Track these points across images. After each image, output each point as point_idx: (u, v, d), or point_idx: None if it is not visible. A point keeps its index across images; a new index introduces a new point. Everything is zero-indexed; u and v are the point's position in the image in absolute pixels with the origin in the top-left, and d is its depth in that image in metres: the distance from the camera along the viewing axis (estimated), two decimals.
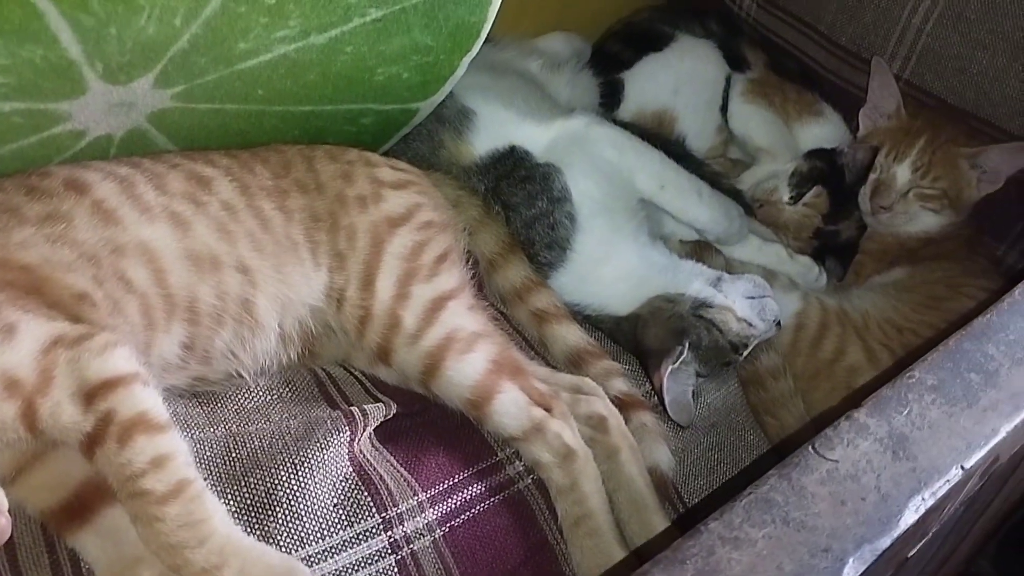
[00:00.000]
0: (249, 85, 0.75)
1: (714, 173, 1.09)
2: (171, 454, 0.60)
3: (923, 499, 0.58)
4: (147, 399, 0.61)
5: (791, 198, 1.08)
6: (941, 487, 0.60)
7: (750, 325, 0.89)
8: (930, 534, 0.68)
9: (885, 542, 0.55)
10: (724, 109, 1.18)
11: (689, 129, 1.16)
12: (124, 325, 0.66)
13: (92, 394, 0.60)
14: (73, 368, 0.60)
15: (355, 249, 0.77)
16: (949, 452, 0.62)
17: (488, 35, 0.87)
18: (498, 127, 0.94)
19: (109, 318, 0.66)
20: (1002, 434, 0.65)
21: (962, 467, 0.62)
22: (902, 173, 1.06)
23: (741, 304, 0.89)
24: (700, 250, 1.02)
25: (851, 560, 0.53)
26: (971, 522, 0.91)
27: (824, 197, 1.09)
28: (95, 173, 0.71)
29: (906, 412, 0.65)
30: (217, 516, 0.59)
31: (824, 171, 1.10)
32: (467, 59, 0.86)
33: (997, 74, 1.09)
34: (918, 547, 0.68)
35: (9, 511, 0.56)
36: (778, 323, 0.92)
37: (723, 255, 1.02)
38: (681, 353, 0.85)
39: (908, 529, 0.58)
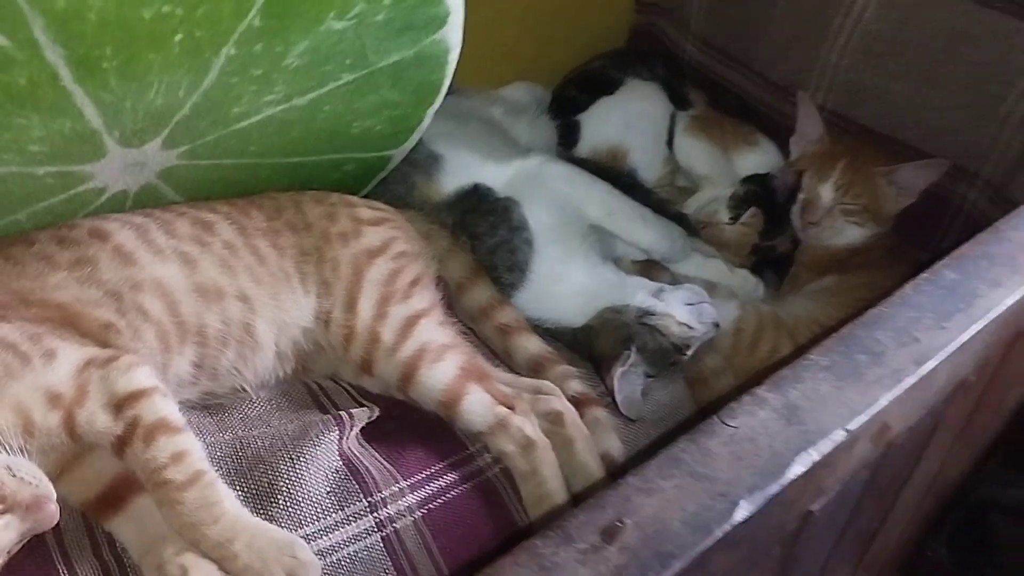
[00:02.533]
0: (243, 142, 0.88)
1: (660, 200, 1.22)
2: (188, 451, 0.72)
3: (809, 455, 0.70)
4: (166, 407, 0.74)
5: (730, 219, 1.21)
6: (826, 445, 0.72)
7: (690, 328, 1.01)
8: (833, 492, 0.79)
9: (773, 488, 0.67)
10: (670, 143, 1.32)
11: (639, 162, 1.29)
12: (144, 348, 0.79)
13: (120, 404, 0.72)
14: (104, 384, 0.73)
15: (339, 278, 0.90)
16: (834, 417, 0.74)
17: (456, 86, 1.00)
18: (463, 168, 1.08)
19: (131, 343, 0.78)
20: (883, 403, 0.77)
21: (846, 429, 0.73)
22: (826, 192, 1.19)
23: (680, 310, 1.02)
24: (649, 268, 1.15)
25: (742, 502, 0.65)
26: (892, 492, 1.02)
27: (759, 217, 1.22)
28: (115, 223, 0.84)
29: (800, 387, 0.77)
30: (228, 500, 0.71)
31: (759, 194, 1.23)
32: (431, 110, 1.00)
33: (908, 101, 1.22)
34: (822, 503, 0.79)
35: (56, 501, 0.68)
36: (716, 324, 1.04)
37: (670, 271, 1.15)
38: (629, 357, 0.98)
39: (797, 480, 0.69)
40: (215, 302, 0.83)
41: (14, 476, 0.66)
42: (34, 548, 0.69)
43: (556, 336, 1.03)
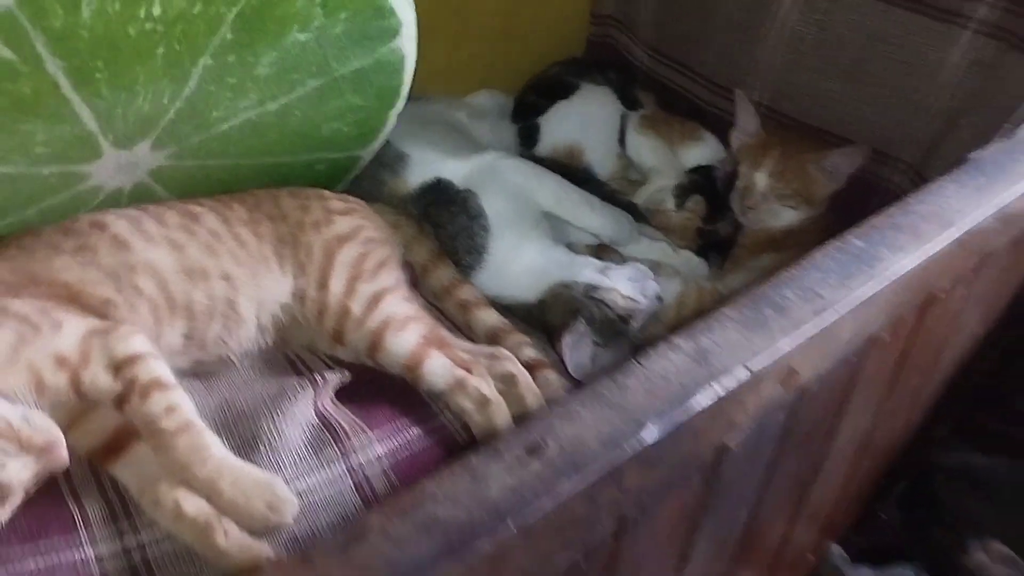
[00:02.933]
0: (224, 145, 1.00)
1: (612, 191, 1.34)
2: (179, 404, 0.83)
3: (713, 388, 0.80)
4: (159, 368, 0.85)
5: (676, 206, 1.33)
6: (729, 381, 0.82)
7: (634, 301, 1.13)
8: (747, 429, 0.90)
9: (679, 416, 0.77)
10: (623, 141, 1.44)
11: (594, 159, 1.41)
12: (139, 321, 0.90)
13: (119, 366, 0.83)
14: (104, 349, 0.84)
15: (312, 260, 1.02)
16: (738, 359, 0.84)
17: (424, 94, 1.12)
18: (426, 165, 1.19)
19: (128, 316, 0.89)
20: (784, 347, 0.87)
21: (747, 368, 0.84)
22: (761, 179, 1.31)
23: (625, 285, 1.13)
24: (601, 251, 1.26)
25: (650, 425, 0.76)
26: (819, 443, 1.12)
27: (702, 204, 1.33)
28: (111, 216, 0.96)
29: (710, 335, 0.87)
30: (215, 446, 0.82)
31: (701, 183, 1.35)
32: (393, 113, 1.12)
33: (835, 96, 1.34)
34: (738, 439, 0.89)
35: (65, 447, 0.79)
36: (660, 299, 1.15)
37: (620, 254, 1.27)
38: (578, 327, 1.09)
39: (703, 410, 0.80)
40: (201, 281, 0.95)
41: (29, 425, 0.77)
42: (48, 488, 0.80)
43: (512, 311, 1.14)
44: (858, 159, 1.29)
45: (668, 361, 0.83)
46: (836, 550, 1.46)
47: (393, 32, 0.99)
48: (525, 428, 0.75)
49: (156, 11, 0.80)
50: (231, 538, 0.79)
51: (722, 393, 0.82)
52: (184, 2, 0.81)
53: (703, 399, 0.80)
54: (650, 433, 0.76)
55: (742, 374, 0.84)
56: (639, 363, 0.83)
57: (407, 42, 1.02)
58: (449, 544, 0.64)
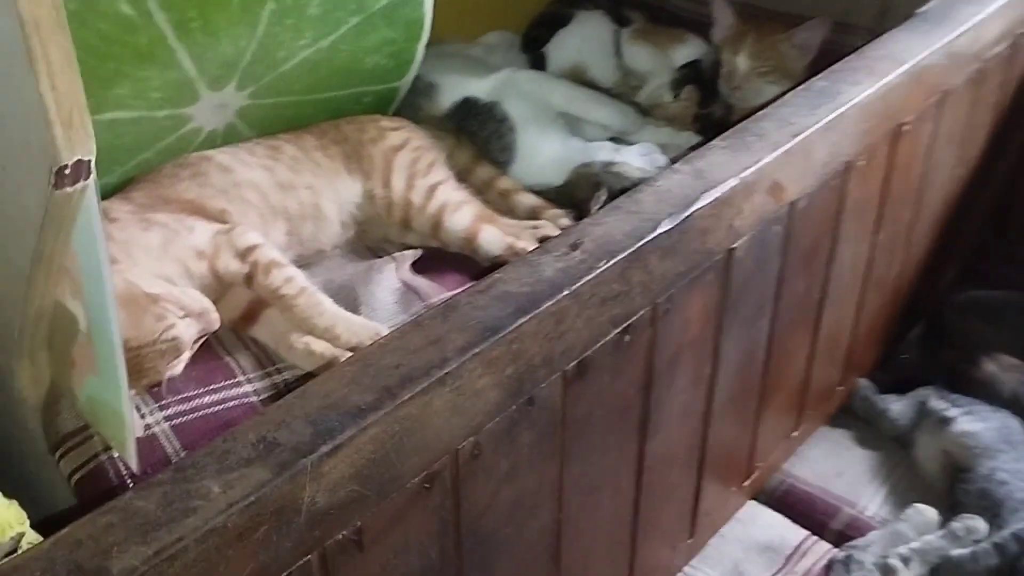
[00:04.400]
0: (289, 82, 1.22)
1: (618, 95, 1.55)
2: (294, 276, 1.05)
3: (711, 194, 1.02)
4: (273, 252, 1.07)
5: (673, 97, 1.53)
6: (723, 189, 1.03)
7: (646, 171, 1.33)
8: (747, 235, 1.10)
9: (685, 214, 0.98)
10: (620, 54, 1.65)
11: (597, 73, 1.62)
12: (250, 224, 1.12)
13: (244, 254, 1.06)
14: (229, 243, 1.06)
15: (375, 167, 1.23)
16: (729, 172, 1.05)
17: (442, 39, 1.33)
18: (454, 88, 1.41)
19: (241, 221, 1.12)
20: (766, 160, 1.08)
21: (739, 177, 1.05)
22: (742, 62, 1.51)
23: (636, 159, 1.34)
24: None
25: (663, 222, 0.97)
26: (820, 263, 1.31)
27: (695, 92, 1.54)
28: (213, 152, 1.18)
29: (704, 159, 1.08)
30: (327, 302, 1.04)
31: (692, 76, 1.55)
32: (421, 45, 1.33)
33: None
34: (742, 243, 1.10)
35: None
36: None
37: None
38: (602, 196, 1.30)
39: (703, 211, 1.01)
40: (291, 191, 1.17)
41: (187, 296, 0.99)
42: (208, 349, 1.02)
43: (545, 196, 1.35)
44: (822, 31, 1.49)
45: (672, 180, 1.05)
46: (864, 383, 1.65)
47: None
48: (566, 233, 0.97)
49: None
50: None
51: (718, 195, 1.02)
52: None
53: (702, 202, 1.01)
54: (664, 227, 0.97)
55: (733, 182, 1.04)
56: (649, 184, 1.04)
57: None
58: (519, 308, 0.85)
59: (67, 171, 0.70)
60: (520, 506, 0.95)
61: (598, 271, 0.90)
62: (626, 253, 0.93)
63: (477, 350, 0.80)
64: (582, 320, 0.91)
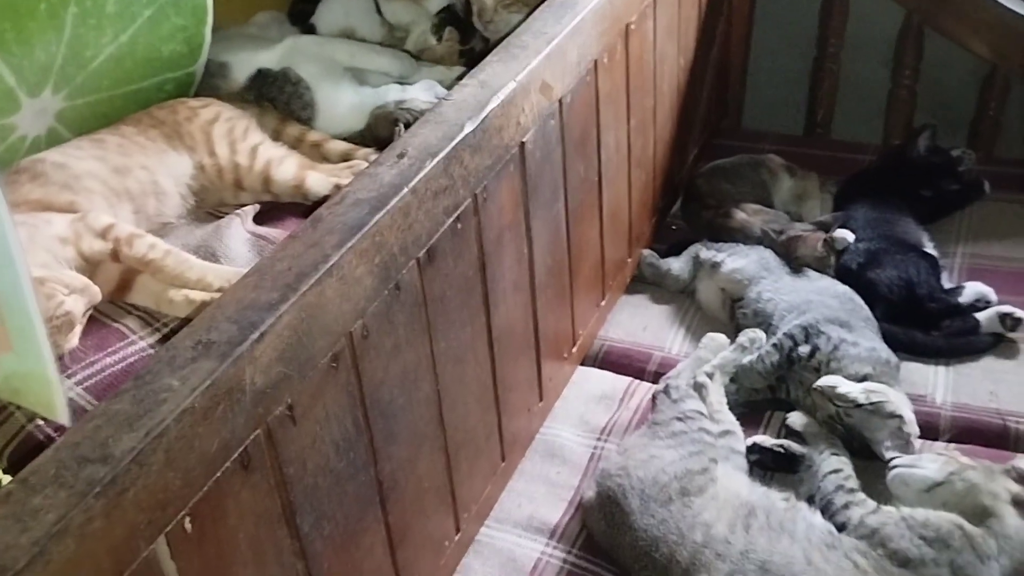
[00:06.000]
0: (99, 79, 1.32)
1: (389, 47, 1.74)
2: (155, 242, 1.18)
3: (498, 96, 1.23)
4: (129, 227, 1.19)
5: (437, 40, 1.74)
6: (505, 91, 1.24)
7: (432, 102, 1.53)
8: (533, 129, 1.33)
9: (482, 115, 1.19)
10: (380, 12, 1.83)
11: (365, 33, 1.79)
12: (98, 208, 1.23)
13: (103, 233, 1.16)
14: (87, 227, 1.17)
15: (196, 142, 1.36)
16: (507, 78, 1.27)
17: (217, 25, 1.46)
18: (244, 63, 1.55)
19: (90, 207, 1.22)
20: (532, 65, 1.30)
21: (515, 80, 1.27)
22: None
23: (422, 94, 1.54)
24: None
25: (467, 124, 1.17)
26: (591, 149, 1.57)
27: (455, 32, 1.75)
28: (42, 154, 1.27)
29: (484, 72, 1.29)
30: (192, 258, 1.18)
31: (449, 18, 1.76)
32: (207, 28, 1.46)
33: None
34: (530, 137, 1.32)
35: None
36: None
37: None
38: (400, 129, 1.49)
39: (496, 111, 1.22)
40: (128, 174, 1.28)
41: (66, 276, 1.09)
42: (94, 320, 1.13)
43: (350, 140, 1.52)
44: None
45: (464, 92, 1.26)
46: (647, 252, 1.94)
47: None
48: (392, 145, 1.15)
49: None
50: None
51: (504, 97, 1.24)
52: None
53: (493, 104, 1.22)
54: (469, 127, 1.17)
55: (512, 85, 1.26)
56: (445, 98, 1.24)
57: None
58: (373, 207, 1.04)
59: None
60: (406, 378, 1.14)
61: (426, 169, 1.10)
62: (444, 153, 1.13)
63: (350, 244, 0.98)
64: (423, 212, 1.10)
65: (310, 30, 1.79)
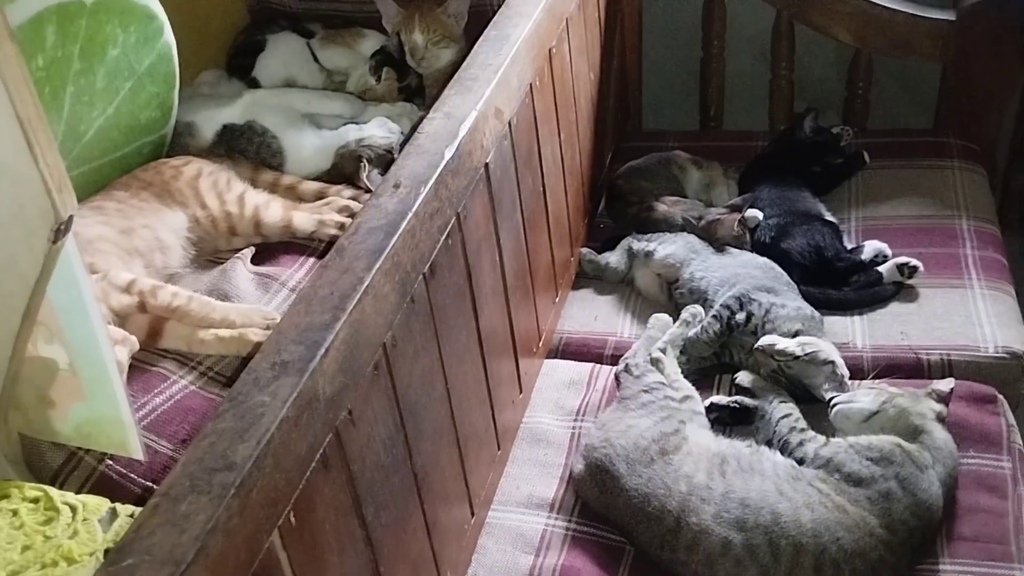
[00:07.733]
0: (91, 150, 1.43)
1: (334, 91, 1.88)
2: (177, 290, 1.30)
3: (464, 125, 1.39)
4: (150, 280, 1.30)
5: (376, 80, 1.90)
6: (471, 120, 1.41)
7: (388, 137, 1.69)
8: (492, 150, 1.50)
9: (455, 142, 1.36)
10: (317, 60, 1.97)
11: (306, 82, 1.93)
12: (115, 267, 1.33)
13: (127, 288, 1.28)
14: (111, 284, 1.28)
15: (186, 197, 1.48)
16: (468, 108, 1.43)
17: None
18: (209, 121, 1.67)
19: (107, 266, 1.33)
20: (486, 94, 1.47)
21: (477, 109, 1.43)
22: (418, 38, 1.90)
23: (378, 131, 1.70)
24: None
25: (447, 151, 1.33)
26: (535, 161, 1.75)
27: (392, 72, 1.91)
28: None
29: (447, 105, 1.46)
30: (215, 301, 1.30)
31: (384, 60, 1.92)
32: (176, 92, 1.57)
33: None
34: (491, 158, 1.49)
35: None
36: (402, 132, 1.72)
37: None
38: (365, 166, 1.64)
39: (466, 139, 1.38)
40: (133, 234, 1.39)
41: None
42: (134, 368, 1.24)
43: (320, 179, 1.66)
44: (466, 1, 1.92)
45: (434, 124, 1.41)
46: (585, 250, 2.13)
47: (160, 29, 1.46)
48: (387, 177, 1.30)
49: (40, 62, 1.23)
50: (256, 334, 1.28)
51: (471, 125, 1.40)
52: (51, 50, 1.24)
53: (463, 131, 1.38)
54: (448, 155, 1.33)
55: (474, 114, 1.43)
56: (421, 132, 1.40)
57: (169, 34, 1.49)
58: (387, 233, 1.19)
59: (62, 226, 0.93)
60: (425, 380, 1.29)
61: (423, 195, 1.25)
62: (433, 179, 1.29)
63: (377, 266, 1.13)
64: (424, 232, 1.25)
65: (253, 84, 1.92)
